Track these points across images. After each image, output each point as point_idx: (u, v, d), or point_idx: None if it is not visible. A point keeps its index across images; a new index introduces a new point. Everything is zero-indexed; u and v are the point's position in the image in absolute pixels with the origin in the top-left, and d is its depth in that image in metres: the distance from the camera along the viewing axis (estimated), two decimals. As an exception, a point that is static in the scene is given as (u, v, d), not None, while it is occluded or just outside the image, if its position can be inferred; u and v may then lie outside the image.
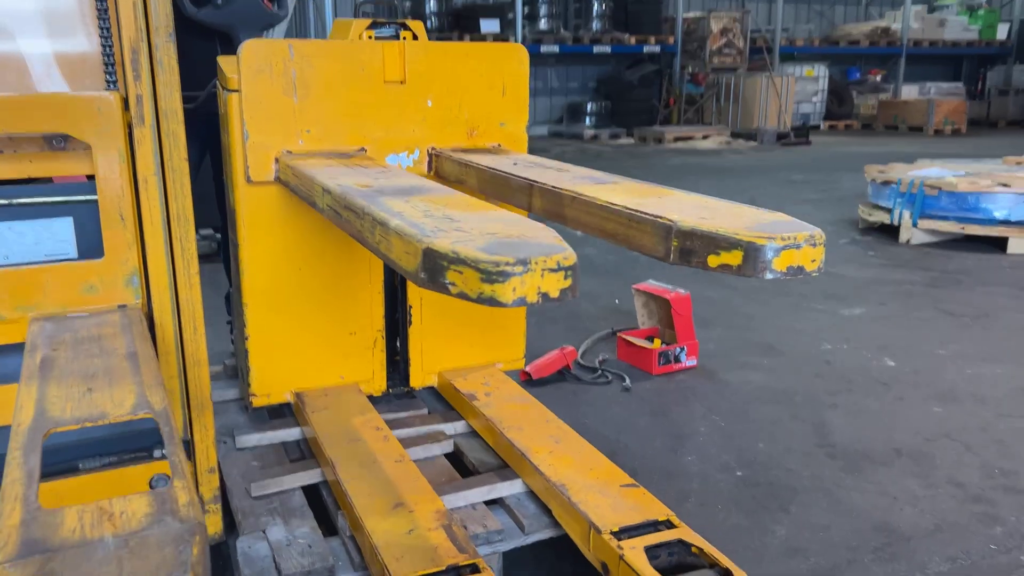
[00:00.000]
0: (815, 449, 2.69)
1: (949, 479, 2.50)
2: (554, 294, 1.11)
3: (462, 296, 1.13)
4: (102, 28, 1.79)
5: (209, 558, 1.00)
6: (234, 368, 2.81)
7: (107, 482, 1.95)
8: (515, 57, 2.35)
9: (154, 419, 1.27)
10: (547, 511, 1.96)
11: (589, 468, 1.98)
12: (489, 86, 2.34)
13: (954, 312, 4.18)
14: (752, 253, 1.24)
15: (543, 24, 13.95)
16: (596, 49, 14.08)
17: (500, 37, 13.30)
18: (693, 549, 1.71)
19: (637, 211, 1.43)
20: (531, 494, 2.04)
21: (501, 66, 2.34)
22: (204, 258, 4.53)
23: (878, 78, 16.88)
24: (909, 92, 16.34)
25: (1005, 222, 5.49)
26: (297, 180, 1.94)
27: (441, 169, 2.27)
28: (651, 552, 1.67)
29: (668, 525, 1.76)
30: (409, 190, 1.59)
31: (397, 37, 2.30)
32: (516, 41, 13.35)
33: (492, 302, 1.10)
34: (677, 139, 13.08)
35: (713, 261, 1.29)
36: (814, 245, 1.26)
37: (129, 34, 1.72)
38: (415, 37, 2.30)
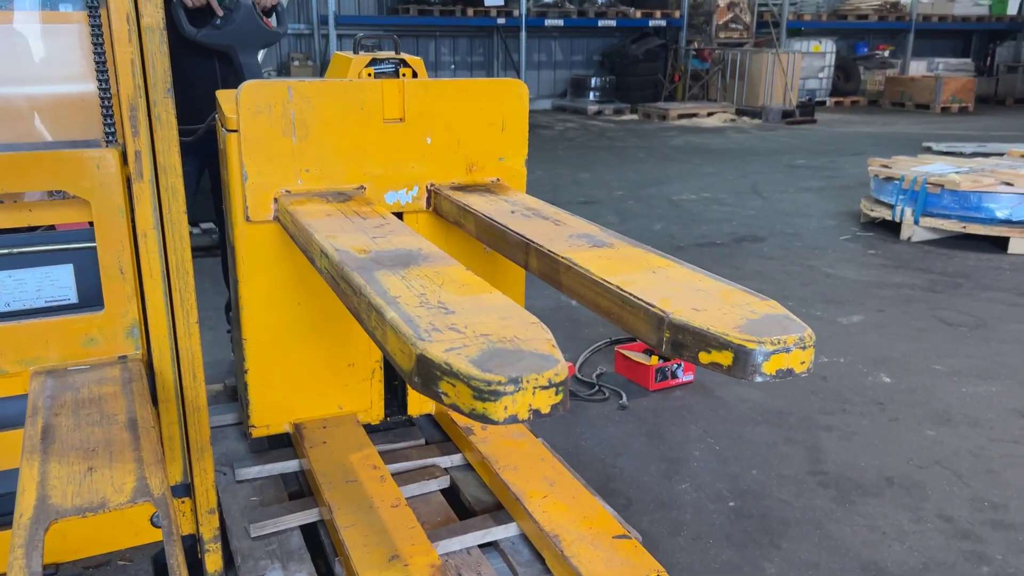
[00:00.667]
0: (808, 477, 2.73)
1: (939, 512, 2.54)
2: (545, 410, 1.13)
3: (454, 408, 1.15)
4: (100, 82, 1.79)
5: None
6: (234, 389, 2.84)
7: (110, 520, 1.99)
8: (514, 93, 2.35)
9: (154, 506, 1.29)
10: (541, 557, 2.00)
11: (583, 516, 2.01)
12: (488, 122, 2.33)
13: (952, 321, 4.19)
14: (742, 356, 1.26)
15: (548, -3, 13.80)
16: (601, 23, 13.96)
17: (503, 11, 13.17)
18: (682, 607, 1.75)
19: (631, 295, 1.44)
20: (525, 537, 2.07)
21: (500, 102, 2.33)
22: (204, 250, 4.57)
23: (886, 53, 16.72)
24: (917, 68, 16.20)
25: (1007, 222, 5.48)
26: (295, 228, 1.95)
27: (440, 207, 2.28)
28: (641, 612, 1.71)
29: (658, 583, 1.79)
30: (407, 259, 1.60)
31: (396, 74, 2.29)
32: (520, 15, 13.22)
33: (484, 419, 1.12)
34: (681, 116, 13.00)
35: (704, 358, 1.31)
36: (803, 348, 1.28)
37: (127, 91, 1.72)
38: (415, 74, 2.30)
